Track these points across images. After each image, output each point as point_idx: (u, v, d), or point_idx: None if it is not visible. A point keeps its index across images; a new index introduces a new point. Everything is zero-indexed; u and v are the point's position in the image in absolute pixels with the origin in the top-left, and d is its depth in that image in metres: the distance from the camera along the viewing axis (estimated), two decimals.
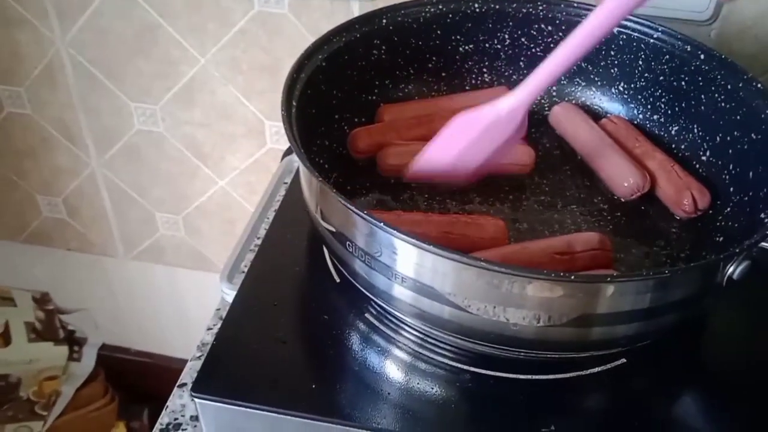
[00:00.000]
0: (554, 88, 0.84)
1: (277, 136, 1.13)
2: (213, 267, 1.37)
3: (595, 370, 0.61)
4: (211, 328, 0.69)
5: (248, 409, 0.57)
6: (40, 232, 1.40)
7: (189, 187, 1.25)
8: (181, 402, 0.64)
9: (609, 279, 0.53)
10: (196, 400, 0.57)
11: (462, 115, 0.58)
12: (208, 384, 0.57)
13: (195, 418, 0.63)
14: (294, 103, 0.64)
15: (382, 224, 0.52)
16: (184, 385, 0.65)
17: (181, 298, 1.47)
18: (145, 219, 1.32)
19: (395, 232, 0.52)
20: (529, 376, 0.60)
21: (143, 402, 1.57)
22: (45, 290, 1.53)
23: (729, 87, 0.70)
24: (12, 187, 1.33)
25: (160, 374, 1.28)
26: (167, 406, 0.64)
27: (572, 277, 0.50)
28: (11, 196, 1.35)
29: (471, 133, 0.58)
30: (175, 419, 0.63)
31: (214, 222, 1.29)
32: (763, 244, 0.55)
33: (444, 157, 0.61)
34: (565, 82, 0.84)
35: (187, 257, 1.37)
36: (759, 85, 0.68)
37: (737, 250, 0.53)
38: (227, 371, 0.59)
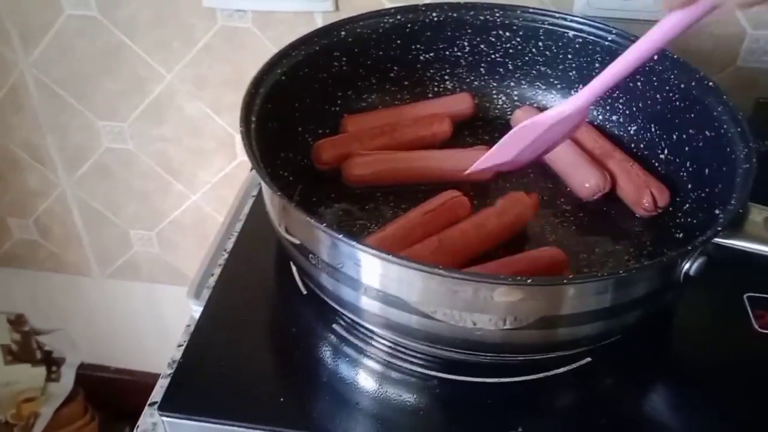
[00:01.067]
0: (516, 92, 0.85)
1: None
2: (189, 281, 1.36)
3: (561, 370, 0.62)
4: (182, 345, 0.69)
5: (218, 425, 0.57)
6: (13, 253, 1.39)
7: (162, 203, 1.24)
8: (152, 420, 0.64)
9: (565, 281, 0.54)
10: (164, 418, 0.57)
11: (528, 120, 0.64)
12: (175, 402, 0.58)
13: None
14: (253, 119, 0.64)
15: (341, 236, 0.52)
16: (155, 403, 0.65)
17: (159, 314, 1.46)
18: (119, 236, 1.31)
19: (355, 243, 0.52)
20: (496, 380, 0.61)
21: (124, 420, 1.56)
22: (20, 312, 1.51)
23: (682, 86, 0.72)
24: None
25: (141, 391, 1.26)
26: (138, 426, 0.63)
27: (528, 281, 0.50)
28: None
29: (534, 133, 0.65)
30: None
31: (189, 236, 1.29)
32: (718, 240, 0.56)
33: (506, 154, 0.67)
34: (525, 86, 0.85)
35: (163, 273, 1.36)
36: (710, 83, 0.69)
37: (691, 248, 0.54)
38: (195, 388, 0.59)
